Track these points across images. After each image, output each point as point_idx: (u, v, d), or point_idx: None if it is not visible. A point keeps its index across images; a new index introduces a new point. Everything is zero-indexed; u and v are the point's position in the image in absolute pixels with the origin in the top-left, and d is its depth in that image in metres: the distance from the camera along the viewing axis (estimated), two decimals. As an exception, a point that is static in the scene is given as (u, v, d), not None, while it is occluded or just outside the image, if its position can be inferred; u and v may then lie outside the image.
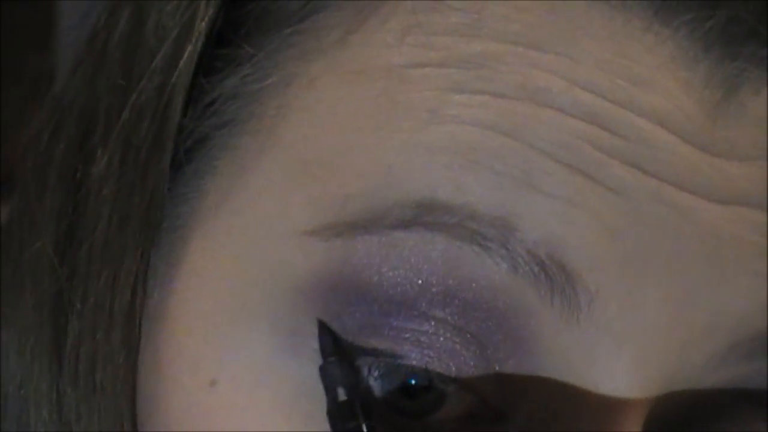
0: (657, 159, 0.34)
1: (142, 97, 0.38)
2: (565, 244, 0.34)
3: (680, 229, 0.35)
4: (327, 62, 0.36)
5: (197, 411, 0.36)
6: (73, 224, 0.40)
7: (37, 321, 0.40)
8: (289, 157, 0.36)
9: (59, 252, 0.40)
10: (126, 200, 0.38)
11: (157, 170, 0.38)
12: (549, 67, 0.34)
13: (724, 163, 0.35)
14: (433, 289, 0.35)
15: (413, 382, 0.35)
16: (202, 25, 0.38)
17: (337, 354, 0.35)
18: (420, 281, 0.35)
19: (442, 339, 0.35)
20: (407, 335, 0.35)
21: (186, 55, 0.38)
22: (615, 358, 0.35)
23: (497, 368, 0.35)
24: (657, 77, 0.35)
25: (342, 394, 0.35)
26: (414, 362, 0.35)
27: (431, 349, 0.35)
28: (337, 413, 0.35)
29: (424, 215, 0.34)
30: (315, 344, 0.36)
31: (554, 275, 0.34)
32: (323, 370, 0.35)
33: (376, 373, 0.36)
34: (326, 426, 0.35)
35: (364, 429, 0.34)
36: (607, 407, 0.35)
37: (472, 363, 0.35)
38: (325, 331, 0.35)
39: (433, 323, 0.35)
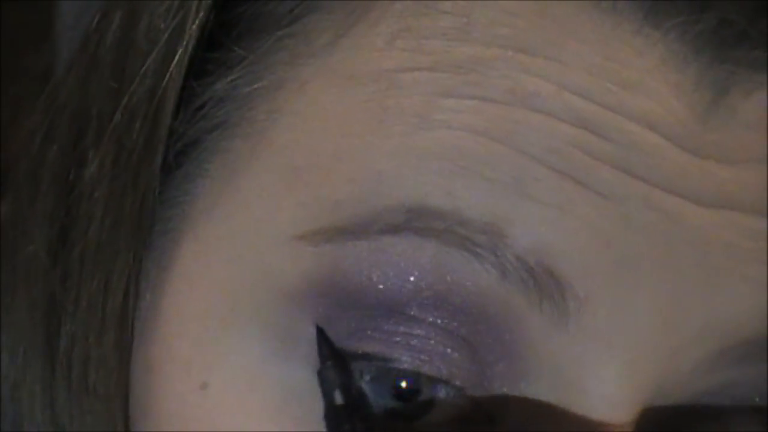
0: (646, 163, 0.34)
1: (133, 100, 0.38)
2: (554, 251, 0.34)
3: (670, 235, 0.34)
4: (317, 66, 0.36)
5: (188, 413, 0.37)
6: (66, 226, 0.40)
7: (31, 323, 0.41)
8: (279, 161, 0.36)
9: (52, 254, 0.40)
10: (118, 203, 0.38)
11: (149, 173, 0.38)
12: (538, 71, 0.34)
13: (714, 166, 0.35)
14: (423, 294, 0.35)
15: (405, 385, 0.35)
16: (193, 28, 0.38)
17: (333, 358, 0.35)
18: (410, 286, 0.35)
19: (432, 342, 0.35)
20: (398, 339, 0.35)
21: (177, 58, 0.38)
22: (604, 364, 0.35)
23: (488, 372, 0.35)
24: (647, 80, 0.34)
25: (338, 398, 0.35)
26: (405, 365, 0.35)
27: (422, 353, 0.35)
28: (333, 417, 0.35)
29: (414, 221, 0.34)
30: (306, 348, 0.36)
31: (543, 282, 0.34)
32: (321, 375, 0.35)
33: (368, 377, 0.36)
34: (316, 429, 0.35)
35: (359, 433, 0.34)
36: (597, 415, 0.34)
37: (463, 366, 0.35)
38: (322, 335, 0.35)
39: (423, 327, 0.35)
